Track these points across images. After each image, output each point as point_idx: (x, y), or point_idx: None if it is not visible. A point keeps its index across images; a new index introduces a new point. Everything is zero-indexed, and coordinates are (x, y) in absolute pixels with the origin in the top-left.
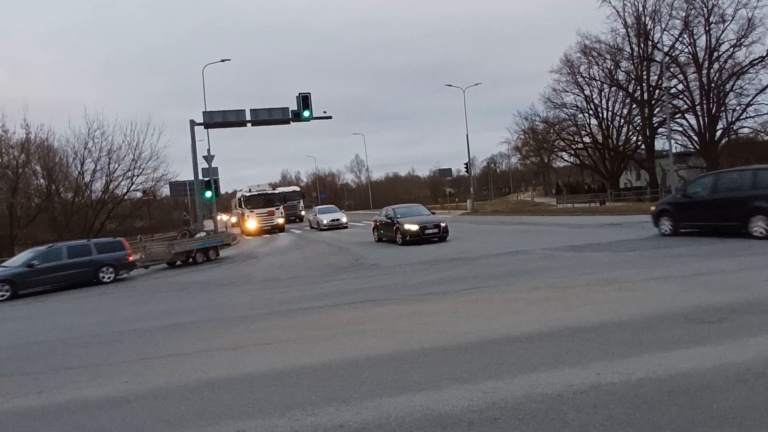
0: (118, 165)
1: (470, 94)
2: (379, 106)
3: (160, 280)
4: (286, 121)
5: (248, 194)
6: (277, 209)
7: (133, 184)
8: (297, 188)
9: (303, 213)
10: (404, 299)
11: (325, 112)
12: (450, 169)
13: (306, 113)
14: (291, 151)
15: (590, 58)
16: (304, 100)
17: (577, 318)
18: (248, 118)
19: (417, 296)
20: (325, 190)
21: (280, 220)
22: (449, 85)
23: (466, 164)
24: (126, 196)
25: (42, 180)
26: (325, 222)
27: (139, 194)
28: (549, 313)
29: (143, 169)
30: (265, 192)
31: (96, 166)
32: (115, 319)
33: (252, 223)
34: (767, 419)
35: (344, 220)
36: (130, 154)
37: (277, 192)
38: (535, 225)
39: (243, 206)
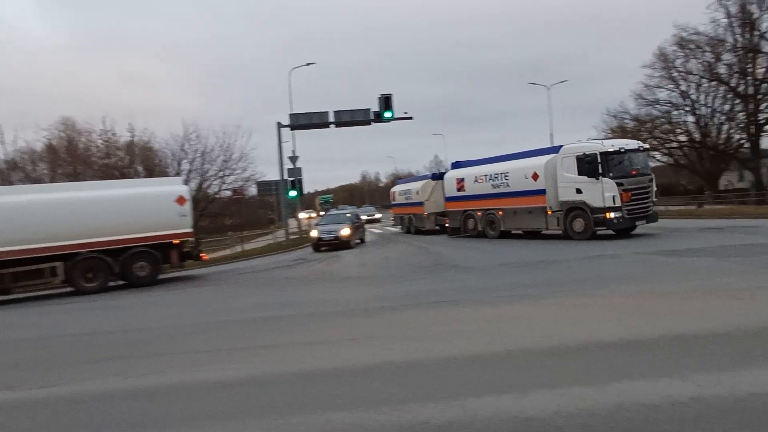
0: (211, 166)
1: (557, 92)
2: (462, 107)
3: (248, 275)
4: (368, 122)
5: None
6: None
7: (224, 183)
8: (642, 143)
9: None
10: (488, 301)
11: (406, 112)
12: None
13: (387, 114)
14: (372, 152)
15: (687, 51)
16: (386, 101)
17: (675, 326)
18: (331, 119)
19: (501, 298)
20: None
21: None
22: (533, 83)
23: None
24: (217, 195)
25: None
26: None
27: (228, 193)
28: (644, 320)
29: (233, 170)
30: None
31: (191, 166)
32: (211, 310)
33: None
34: None
35: None
36: (222, 155)
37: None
38: None
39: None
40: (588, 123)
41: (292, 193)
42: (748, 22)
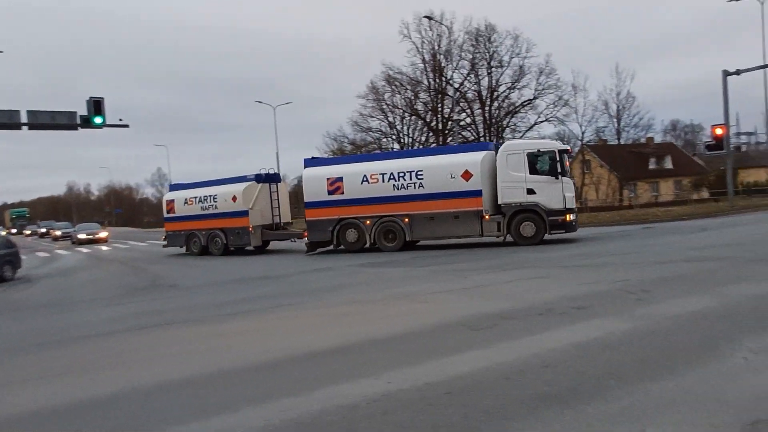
0: None
1: (284, 112)
2: (188, 118)
3: None
4: (74, 127)
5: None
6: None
7: None
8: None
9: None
10: (204, 320)
11: (121, 119)
12: None
13: (98, 119)
14: (81, 162)
15: (394, 87)
16: (96, 105)
17: (374, 330)
18: (24, 120)
19: (220, 316)
20: (121, 204)
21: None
22: (259, 102)
23: None
24: None
25: None
26: None
27: None
28: (349, 327)
29: None
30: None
31: None
32: None
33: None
34: (523, 411)
35: None
36: None
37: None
38: None
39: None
40: (311, 143)
41: None
42: (438, 69)
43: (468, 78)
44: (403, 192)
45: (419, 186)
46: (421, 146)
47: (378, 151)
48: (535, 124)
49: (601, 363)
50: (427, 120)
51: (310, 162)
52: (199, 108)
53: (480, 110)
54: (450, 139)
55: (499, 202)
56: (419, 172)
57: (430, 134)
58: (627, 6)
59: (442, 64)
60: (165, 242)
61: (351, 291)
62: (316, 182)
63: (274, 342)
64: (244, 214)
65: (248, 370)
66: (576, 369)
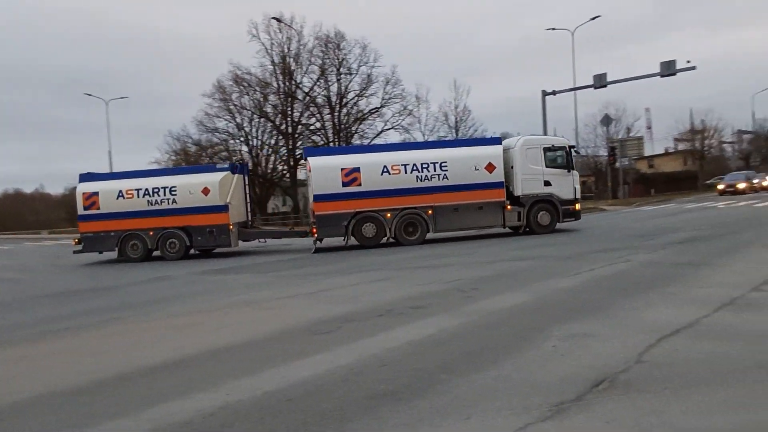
0: None
1: (117, 108)
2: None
3: None
4: None
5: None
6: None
7: None
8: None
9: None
10: (11, 342)
11: None
12: None
13: None
14: None
15: (242, 87)
16: None
17: (214, 341)
18: None
19: (31, 336)
20: None
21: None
22: (89, 95)
23: None
24: None
25: None
26: None
27: None
28: (187, 339)
29: None
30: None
31: None
32: None
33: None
34: (360, 411)
35: None
36: None
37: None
38: None
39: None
40: (152, 143)
41: None
42: (288, 73)
43: (318, 83)
44: (427, 183)
45: (443, 177)
46: (270, 149)
47: (225, 153)
48: (382, 131)
49: (434, 359)
50: (277, 123)
51: (314, 151)
52: (12, 100)
53: (329, 115)
54: (300, 143)
55: (518, 193)
56: (443, 164)
57: (280, 137)
58: (457, 28)
59: (292, 68)
60: (79, 246)
61: (190, 301)
62: (327, 173)
63: (99, 361)
64: (223, 209)
65: (65, 394)
66: (411, 366)
